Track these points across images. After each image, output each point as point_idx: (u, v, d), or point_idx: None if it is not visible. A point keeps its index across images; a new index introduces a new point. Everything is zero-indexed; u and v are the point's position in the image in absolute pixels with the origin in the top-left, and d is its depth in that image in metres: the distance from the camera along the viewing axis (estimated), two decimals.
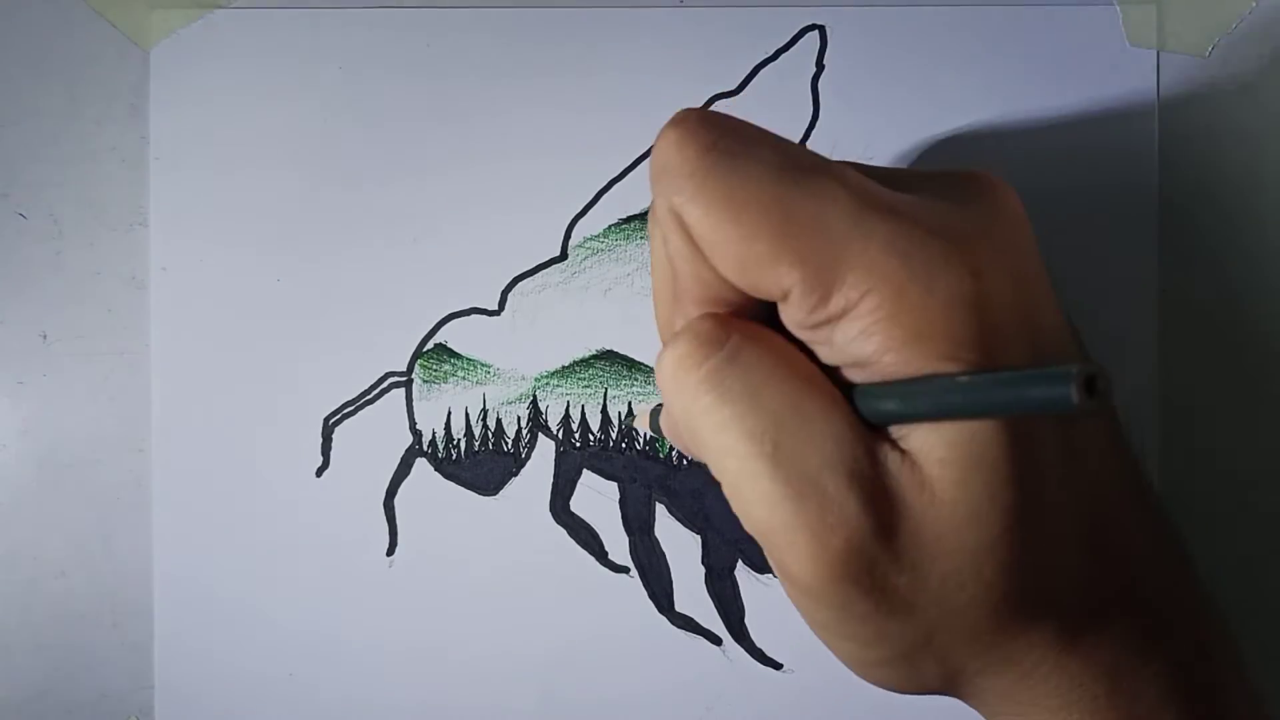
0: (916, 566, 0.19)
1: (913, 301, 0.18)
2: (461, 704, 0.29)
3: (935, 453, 0.19)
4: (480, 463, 0.29)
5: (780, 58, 0.29)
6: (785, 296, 0.19)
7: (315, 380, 0.29)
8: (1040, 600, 0.20)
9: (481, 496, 0.29)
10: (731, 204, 0.19)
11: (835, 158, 0.29)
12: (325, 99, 0.29)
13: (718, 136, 0.19)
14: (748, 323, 0.21)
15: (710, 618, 0.29)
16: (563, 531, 0.29)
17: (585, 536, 0.29)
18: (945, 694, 0.22)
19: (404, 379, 0.29)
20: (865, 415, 0.19)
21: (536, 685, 0.29)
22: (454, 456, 0.29)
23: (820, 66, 0.29)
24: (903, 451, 0.19)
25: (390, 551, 0.29)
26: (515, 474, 0.29)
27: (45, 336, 0.29)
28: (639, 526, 0.29)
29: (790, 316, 0.20)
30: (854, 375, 0.20)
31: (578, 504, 0.29)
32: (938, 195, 0.21)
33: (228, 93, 0.29)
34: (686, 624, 0.29)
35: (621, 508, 0.29)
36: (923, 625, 0.20)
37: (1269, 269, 0.28)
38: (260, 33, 0.29)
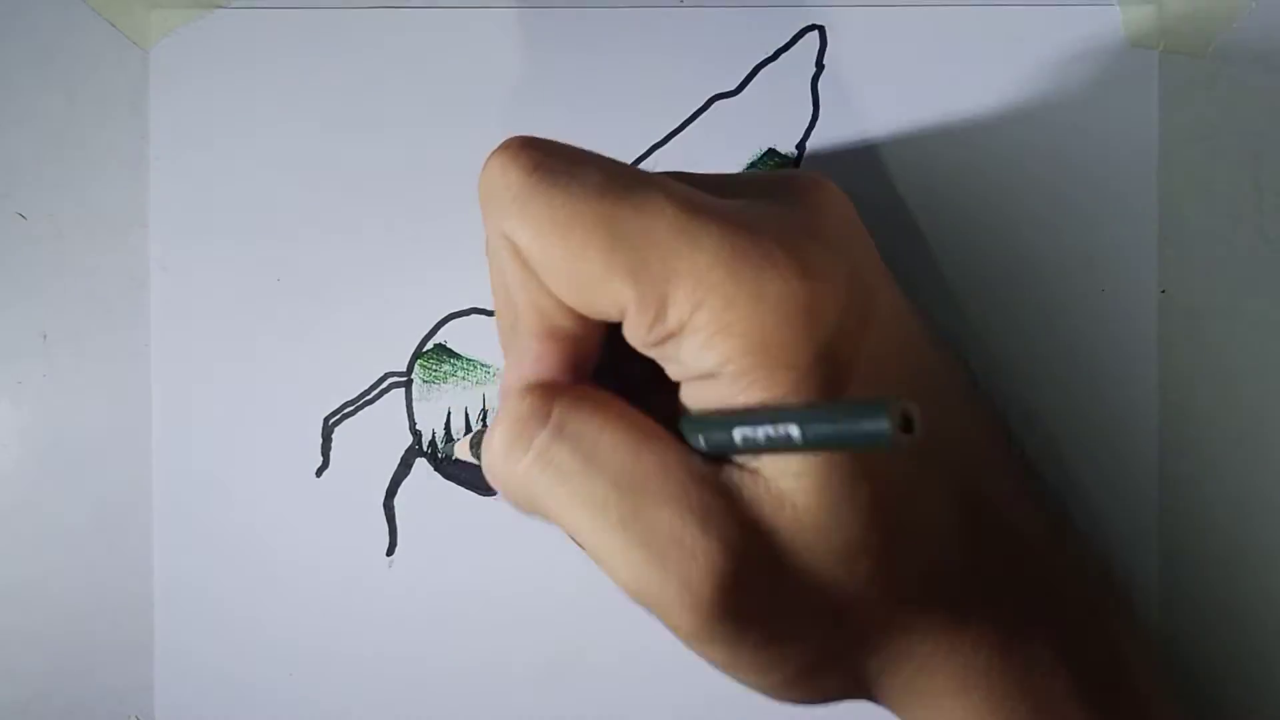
0: (795, 581, 0.19)
1: (744, 311, 0.18)
2: (461, 703, 0.29)
3: (789, 468, 0.19)
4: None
5: (780, 58, 0.29)
6: (623, 315, 0.19)
7: (315, 380, 0.29)
8: (921, 589, 0.20)
9: (481, 497, 0.29)
10: (558, 224, 0.19)
11: (835, 158, 0.29)
12: (325, 99, 0.29)
13: (541, 158, 0.19)
14: (569, 385, 0.20)
15: None
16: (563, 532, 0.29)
17: None
18: (855, 698, 0.22)
19: (404, 379, 0.29)
20: (707, 448, 0.19)
21: (536, 685, 0.29)
22: (454, 456, 0.29)
23: (820, 66, 0.29)
24: (753, 472, 0.19)
25: (390, 551, 0.29)
26: None
27: (45, 336, 0.29)
28: None
29: (632, 335, 0.19)
30: (705, 390, 0.19)
31: None
32: (762, 198, 0.20)
33: (228, 93, 0.29)
34: None
35: None
36: (818, 637, 0.20)
37: (1269, 269, 0.28)
38: (260, 33, 0.29)
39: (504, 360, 0.22)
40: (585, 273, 0.19)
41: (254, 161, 0.29)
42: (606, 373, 0.21)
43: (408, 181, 0.29)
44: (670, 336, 0.19)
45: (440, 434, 0.29)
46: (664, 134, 0.29)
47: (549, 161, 0.19)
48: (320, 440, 0.29)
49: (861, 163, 0.29)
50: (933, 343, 0.23)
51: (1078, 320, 0.28)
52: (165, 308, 0.29)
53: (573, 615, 0.29)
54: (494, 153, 0.20)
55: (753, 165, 0.29)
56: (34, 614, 0.29)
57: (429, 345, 0.29)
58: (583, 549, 0.20)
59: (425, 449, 0.29)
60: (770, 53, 0.29)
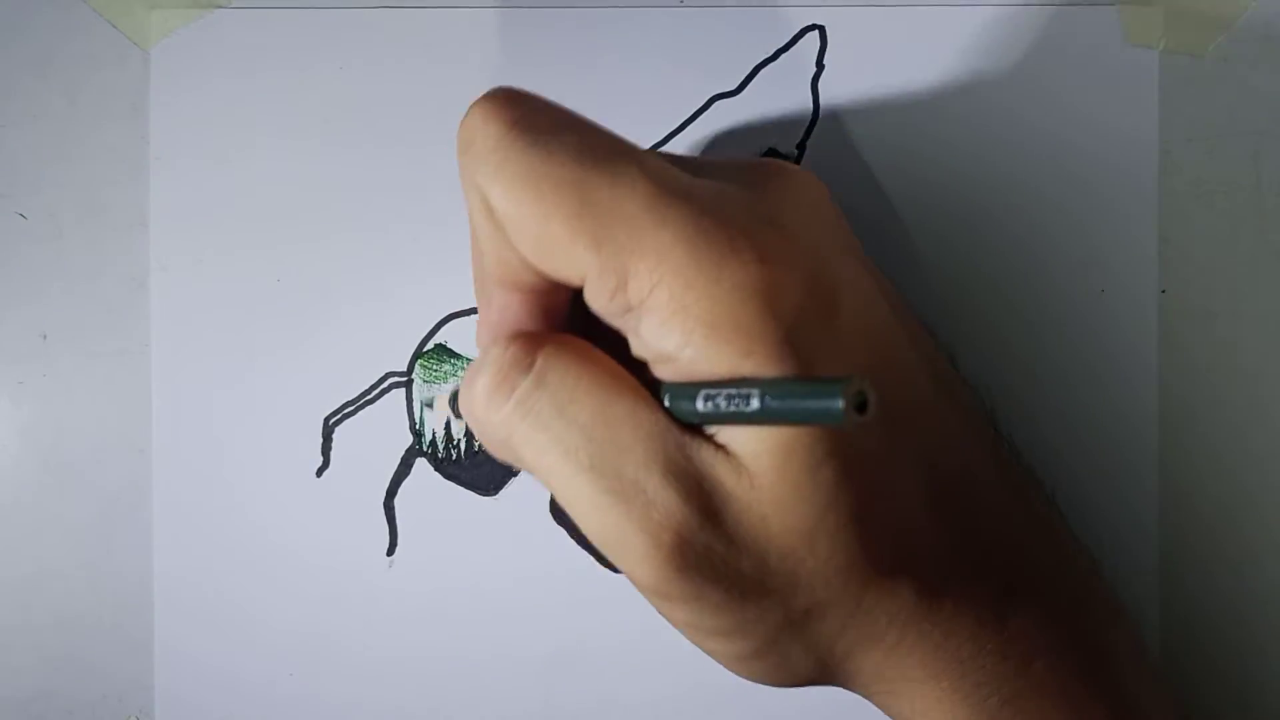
0: (753, 548, 0.19)
1: (700, 292, 0.18)
2: (461, 704, 0.29)
3: (748, 445, 0.19)
4: (480, 463, 0.29)
5: (780, 58, 0.29)
6: (583, 281, 0.19)
7: (315, 380, 0.29)
8: (886, 570, 0.20)
9: (481, 496, 0.29)
10: (531, 182, 0.19)
11: (835, 158, 0.29)
12: (325, 99, 0.29)
13: (523, 113, 0.19)
14: (551, 335, 0.21)
15: None
16: (563, 531, 0.29)
17: (585, 537, 0.29)
18: (826, 682, 0.22)
19: (404, 379, 0.29)
20: (674, 414, 0.20)
21: (537, 685, 0.29)
22: (454, 456, 0.29)
23: (820, 66, 0.29)
24: (716, 445, 0.19)
25: (390, 551, 0.29)
26: (515, 474, 0.29)
27: (45, 336, 0.29)
28: None
29: (593, 301, 0.20)
30: (663, 370, 0.20)
31: None
32: (732, 183, 0.21)
33: (228, 93, 0.29)
34: None
35: None
36: (779, 607, 0.20)
37: (1269, 269, 0.28)
38: (260, 33, 0.29)
39: (477, 310, 0.22)
40: (550, 234, 0.19)
41: (254, 161, 0.29)
42: (593, 334, 0.22)
43: (408, 181, 0.29)
44: (630, 310, 0.19)
45: (440, 434, 0.29)
46: (664, 134, 0.29)
47: (531, 118, 0.19)
48: (320, 440, 0.29)
49: (861, 162, 0.29)
50: (910, 334, 0.23)
51: (1078, 320, 0.28)
52: (165, 308, 0.29)
53: (572, 615, 0.29)
54: (477, 101, 0.20)
55: None
56: (34, 614, 0.29)
57: (429, 345, 0.29)
58: (556, 496, 0.20)
59: (425, 449, 0.29)
60: (770, 53, 0.29)
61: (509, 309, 0.21)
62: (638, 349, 0.20)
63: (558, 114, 0.20)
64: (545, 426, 0.20)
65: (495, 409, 0.20)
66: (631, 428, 0.19)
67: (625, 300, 0.19)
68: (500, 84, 0.29)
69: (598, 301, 0.19)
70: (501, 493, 0.29)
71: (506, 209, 0.19)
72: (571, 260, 0.19)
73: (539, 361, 0.20)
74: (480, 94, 0.20)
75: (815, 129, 0.29)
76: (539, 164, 0.19)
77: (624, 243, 0.18)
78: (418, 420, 0.29)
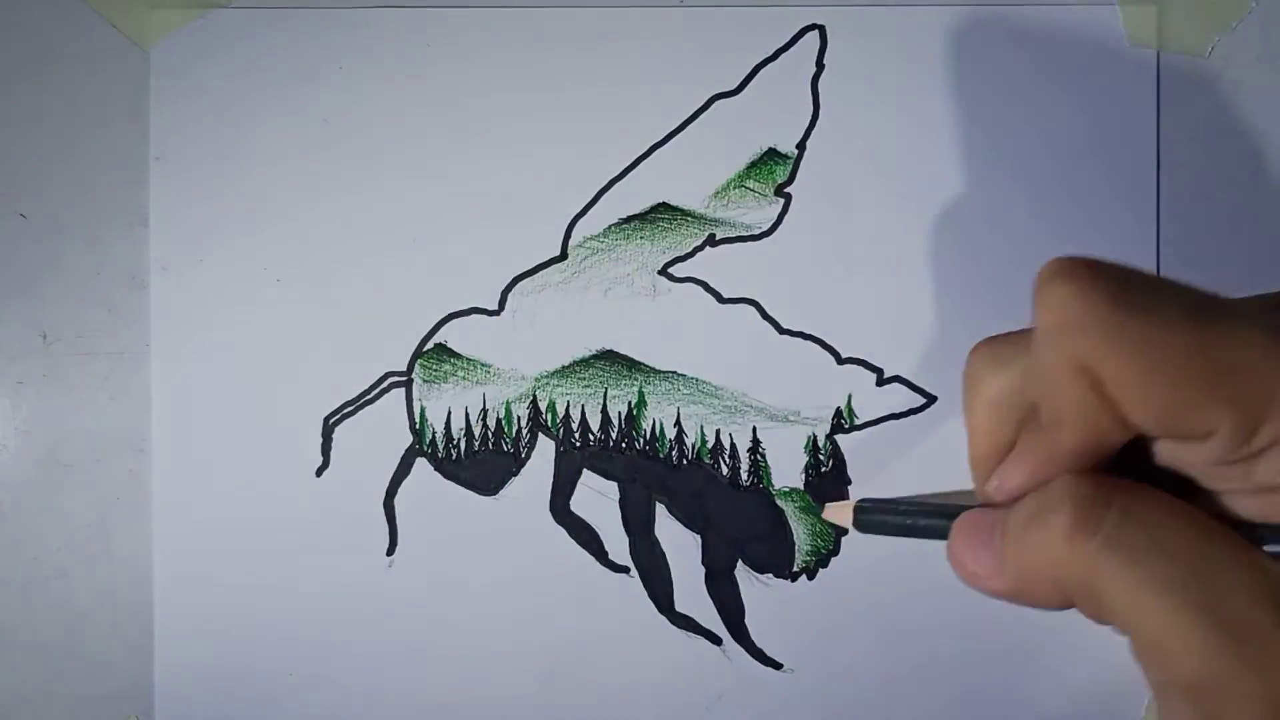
0: None
1: None
2: (461, 703, 0.29)
3: None
4: (480, 462, 0.29)
5: (780, 58, 0.29)
6: (1208, 437, 0.19)
7: (315, 380, 0.29)
8: None
9: (481, 496, 0.29)
10: (1150, 353, 0.19)
11: (835, 157, 0.29)
12: (325, 99, 0.29)
13: (1120, 287, 0.19)
14: (1121, 480, 0.21)
15: (710, 618, 0.29)
16: (563, 531, 0.29)
17: (585, 536, 0.29)
18: None
19: (404, 379, 0.29)
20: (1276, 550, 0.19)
21: (536, 684, 0.29)
22: (454, 456, 0.29)
23: (820, 66, 0.29)
24: None
25: (390, 551, 0.29)
26: (515, 474, 0.29)
27: (45, 336, 0.29)
28: (639, 526, 0.29)
29: (1205, 454, 0.20)
30: (1250, 503, 0.20)
31: (578, 504, 0.29)
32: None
33: (228, 93, 0.29)
34: (686, 624, 0.29)
35: (621, 508, 0.29)
36: None
37: (1269, 269, 0.28)
38: (260, 33, 0.29)
39: (985, 482, 0.22)
40: (1181, 400, 0.19)
41: (254, 161, 0.29)
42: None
43: (407, 182, 0.29)
44: (1251, 456, 0.19)
45: (441, 434, 0.29)
46: (664, 134, 0.29)
47: (1129, 291, 0.19)
48: (320, 440, 0.29)
49: (861, 162, 0.29)
50: None
51: None
52: (165, 308, 0.29)
53: (572, 614, 0.29)
54: (1056, 278, 0.20)
55: (753, 165, 0.29)
56: (35, 613, 0.29)
57: (429, 345, 0.29)
58: (1134, 637, 0.20)
59: (425, 449, 0.29)
60: (770, 53, 0.29)
61: (1059, 463, 0.21)
62: (1236, 484, 0.20)
63: (1148, 281, 0.20)
64: (1139, 562, 0.19)
65: (1080, 543, 0.20)
66: (1234, 564, 0.19)
67: (1249, 449, 0.19)
68: (512, 84, 0.29)
69: (1214, 453, 0.19)
70: (501, 493, 0.29)
71: (1128, 381, 0.19)
72: (1202, 420, 0.19)
73: (1121, 498, 0.20)
74: (1049, 265, 0.20)
75: (815, 128, 0.29)
76: (1155, 334, 0.19)
77: (1257, 397, 0.19)
78: (418, 420, 0.29)
